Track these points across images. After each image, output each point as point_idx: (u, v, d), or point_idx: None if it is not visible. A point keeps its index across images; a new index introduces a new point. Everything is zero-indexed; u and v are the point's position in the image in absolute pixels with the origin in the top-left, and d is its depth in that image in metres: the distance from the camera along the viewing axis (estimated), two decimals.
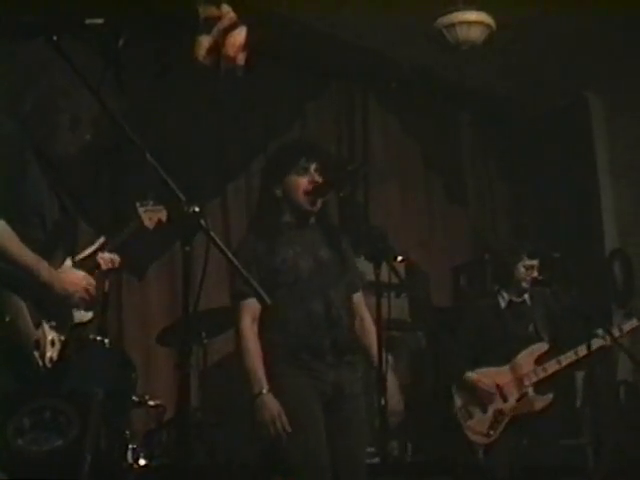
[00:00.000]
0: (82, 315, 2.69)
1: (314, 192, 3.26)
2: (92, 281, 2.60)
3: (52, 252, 2.54)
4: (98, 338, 3.97)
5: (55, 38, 2.17)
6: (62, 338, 2.55)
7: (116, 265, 2.85)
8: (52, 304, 2.49)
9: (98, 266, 2.79)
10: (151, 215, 3.05)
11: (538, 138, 6.82)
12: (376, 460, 3.96)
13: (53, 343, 2.49)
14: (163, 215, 3.05)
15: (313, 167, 3.27)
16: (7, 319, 2.34)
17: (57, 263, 2.58)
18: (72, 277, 2.55)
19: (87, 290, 2.56)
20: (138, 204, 3.06)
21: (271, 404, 3.07)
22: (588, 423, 5.34)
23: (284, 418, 3.06)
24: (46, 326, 2.48)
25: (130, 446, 3.87)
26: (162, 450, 4.07)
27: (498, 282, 4.83)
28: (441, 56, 5.54)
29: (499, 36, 5.14)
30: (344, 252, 3.41)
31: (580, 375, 5.57)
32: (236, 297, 3.18)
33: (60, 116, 2.54)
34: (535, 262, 4.61)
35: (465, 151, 6.93)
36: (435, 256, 6.40)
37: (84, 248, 2.85)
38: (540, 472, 4.34)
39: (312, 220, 3.36)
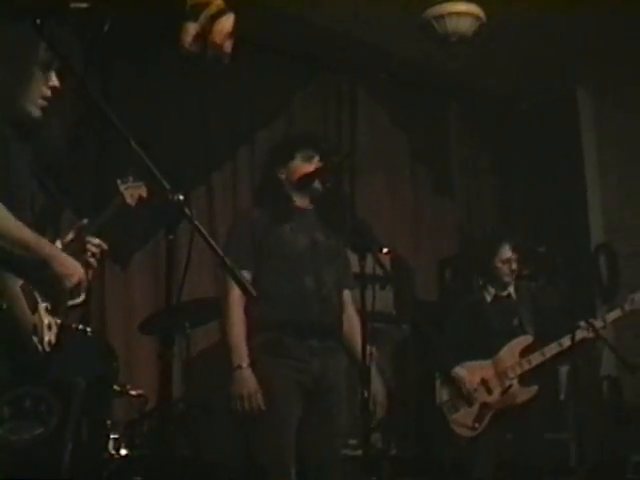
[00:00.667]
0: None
1: (316, 174, 3.34)
2: (82, 271, 2.54)
3: (42, 235, 2.49)
4: (80, 326, 3.94)
5: (38, 22, 2.14)
6: (58, 321, 2.52)
7: (98, 250, 2.79)
8: (48, 284, 2.46)
9: (84, 251, 2.73)
10: (132, 192, 3.02)
11: (526, 132, 6.80)
12: (358, 452, 3.97)
13: (50, 327, 2.47)
14: (143, 191, 3.02)
15: (317, 158, 3.40)
16: (4, 306, 2.32)
17: None
18: (71, 260, 2.50)
19: (80, 278, 2.51)
20: (119, 181, 3.02)
21: (249, 380, 3.10)
22: (572, 418, 5.35)
23: (259, 396, 3.09)
24: (42, 310, 2.45)
25: (111, 436, 3.85)
26: (143, 440, 4.02)
27: (482, 277, 4.84)
28: (430, 48, 5.51)
29: (488, 28, 5.12)
30: (340, 243, 3.47)
31: (564, 370, 5.58)
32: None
33: (28, 70, 2.46)
34: (512, 255, 4.60)
35: (453, 144, 6.89)
36: (421, 249, 6.38)
37: (67, 232, 2.81)
38: (524, 467, 4.35)
39: (311, 206, 3.43)
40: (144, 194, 3.04)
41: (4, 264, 2.33)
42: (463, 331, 4.64)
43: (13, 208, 2.36)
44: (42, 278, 2.43)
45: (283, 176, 3.40)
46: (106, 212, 2.94)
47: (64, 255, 2.48)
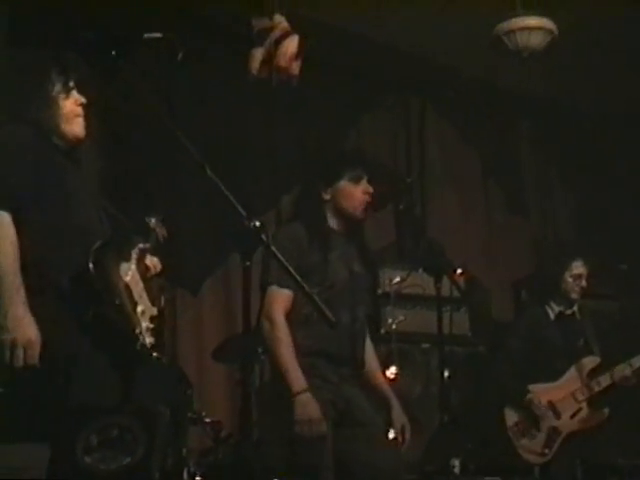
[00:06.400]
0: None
1: (371, 203, 3.24)
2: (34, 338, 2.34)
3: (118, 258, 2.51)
4: (154, 354, 3.93)
5: (114, 53, 2.20)
6: (151, 326, 2.55)
7: (157, 270, 2.77)
8: None
9: (147, 269, 2.71)
10: (160, 231, 2.95)
11: (602, 145, 6.65)
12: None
13: (147, 329, 2.51)
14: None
15: (366, 178, 3.28)
16: (117, 302, 2.36)
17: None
18: (21, 324, 2.31)
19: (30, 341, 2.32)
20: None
21: (312, 404, 3.00)
22: None
23: (323, 422, 2.99)
24: (139, 312, 2.49)
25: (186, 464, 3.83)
26: (218, 468, 4.00)
27: (547, 293, 4.65)
28: (500, 63, 5.41)
29: (561, 41, 5.00)
30: (372, 275, 3.43)
31: None
32: (269, 284, 3.09)
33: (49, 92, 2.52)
34: (584, 271, 4.45)
35: (525, 160, 6.78)
36: (495, 269, 6.25)
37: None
38: None
39: (344, 231, 3.32)
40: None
41: None
42: (525, 351, 4.48)
43: (70, 246, 2.38)
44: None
45: (328, 197, 3.27)
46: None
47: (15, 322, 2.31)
